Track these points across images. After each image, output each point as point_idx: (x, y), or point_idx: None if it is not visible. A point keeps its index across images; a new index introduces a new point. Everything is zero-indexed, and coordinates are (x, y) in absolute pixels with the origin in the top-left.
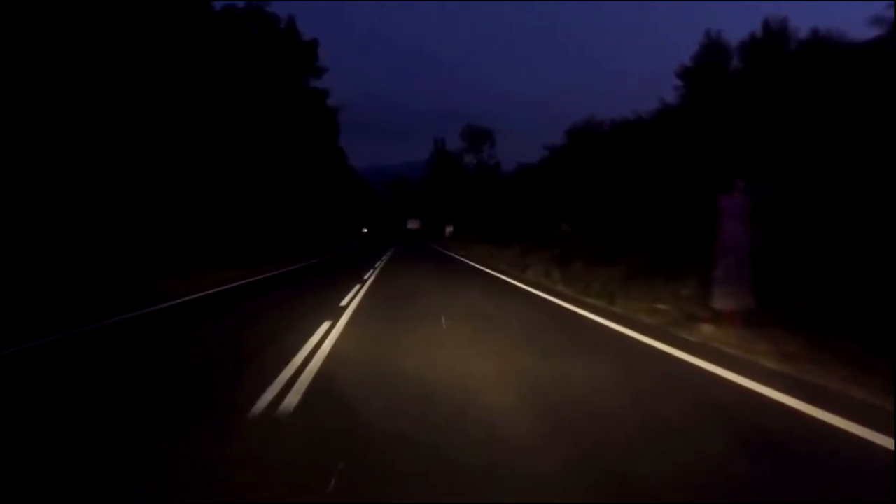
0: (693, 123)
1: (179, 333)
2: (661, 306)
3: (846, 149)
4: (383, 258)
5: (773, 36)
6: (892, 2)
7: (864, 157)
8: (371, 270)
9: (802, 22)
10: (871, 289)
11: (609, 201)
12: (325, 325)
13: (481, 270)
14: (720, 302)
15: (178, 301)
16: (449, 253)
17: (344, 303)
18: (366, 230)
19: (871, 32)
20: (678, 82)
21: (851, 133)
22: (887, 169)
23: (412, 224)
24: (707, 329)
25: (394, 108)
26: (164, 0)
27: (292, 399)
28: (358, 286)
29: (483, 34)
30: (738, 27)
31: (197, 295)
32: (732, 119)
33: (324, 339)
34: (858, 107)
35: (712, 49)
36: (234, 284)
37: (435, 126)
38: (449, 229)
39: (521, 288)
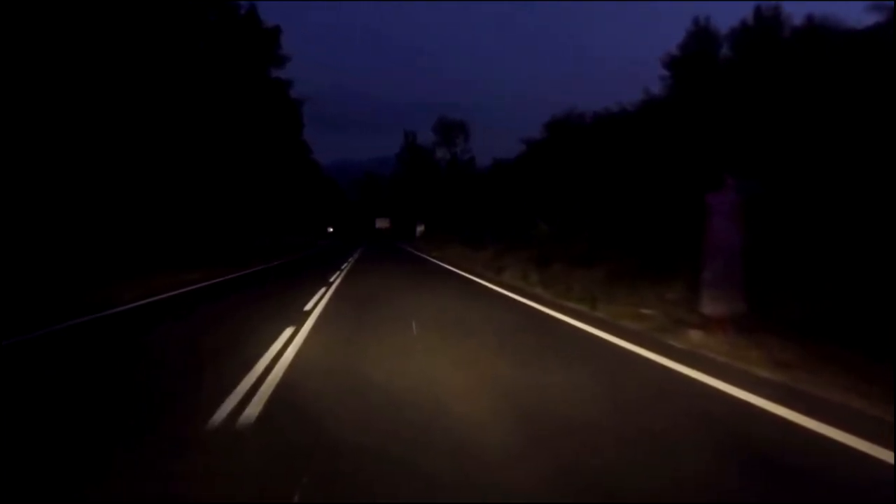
0: (680, 116)
1: (132, 340)
2: (646, 311)
3: (843, 142)
4: (350, 259)
5: (766, 22)
6: None
7: (862, 152)
8: (337, 272)
9: (796, 8)
10: (871, 292)
11: (590, 199)
12: (289, 331)
13: (454, 273)
14: (709, 306)
15: (132, 306)
16: (420, 254)
17: (308, 307)
18: (332, 230)
19: (870, 19)
20: (664, 72)
21: (849, 126)
22: (887, 164)
23: (381, 223)
24: (695, 335)
25: (361, 100)
26: None
27: (253, 410)
28: (323, 289)
29: (457, 21)
30: (728, 13)
31: (152, 299)
32: (722, 111)
33: (287, 346)
34: (857, 98)
35: (700, 37)
36: (192, 288)
37: (405, 119)
38: (420, 229)
39: (496, 291)
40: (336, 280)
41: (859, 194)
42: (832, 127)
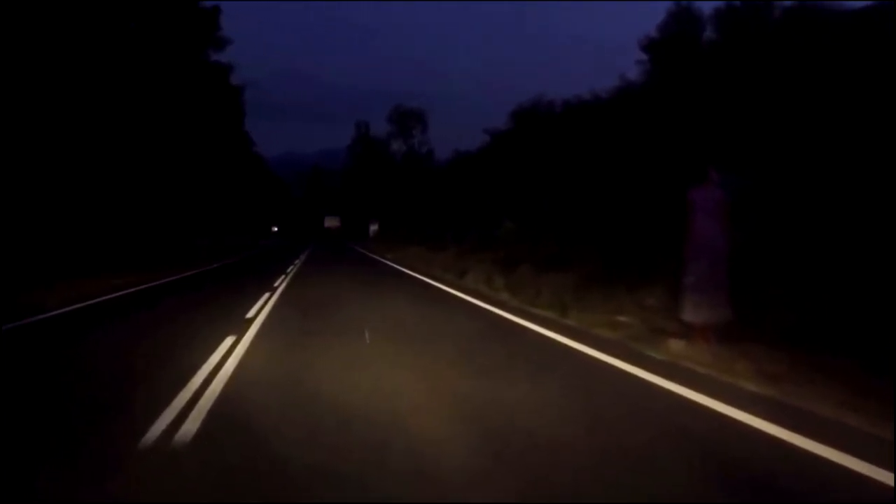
0: (659, 104)
1: (58, 350)
2: (622, 318)
3: (840, 134)
4: (297, 262)
5: (753, 2)
6: None
7: (861, 144)
8: (283, 276)
9: None
10: (867, 297)
11: (561, 195)
12: (229, 341)
13: (411, 276)
14: (691, 313)
15: (59, 312)
16: (373, 256)
17: (251, 314)
18: (276, 229)
19: None
20: (642, 56)
21: (847, 115)
22: (888, 158)
23: (330, 222)
24: (676, 345)
25: (309, 86)
26: None
27: (190, 427)
28: (267, 294)
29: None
30: None
31: (81, 304)
32: (706, 99)
33: (227, 357)
34: (854, 84)
35: (682, 17)
36: (125, 292)
37: (357, 107)
38: (374, 228)
39: (458, 297)
40: (281, 285)
41: (857, 191)
42: (828, 117)
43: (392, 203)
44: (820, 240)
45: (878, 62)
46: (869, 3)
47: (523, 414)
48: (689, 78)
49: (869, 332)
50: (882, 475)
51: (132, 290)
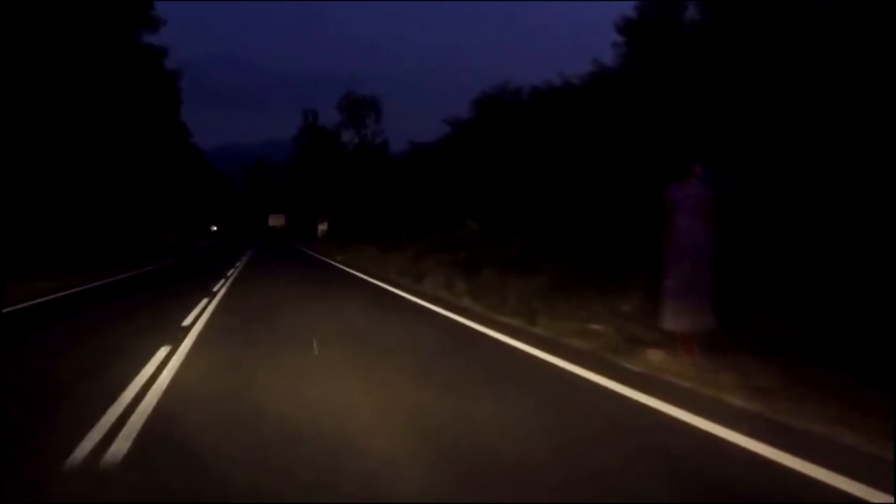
0: (637, 91)
1: None
2: (595, 326)
3: (838, 128)
4: (238, 264)
5: None
6: None
7: (861, 139)
8: (222, 280)
9: None
10: (866, 304)
11: (529, 191)
12: (163, 352)
13: (364, 280)
14: (672, 321)
15: None
16: (322, 257)
17: (187, 322)
18: (216, 228)
19: None
20: (618, 38)
21: (844, 103)
22: (890, 155)
23: (275, 220)
24: (655, 356)
25: (251, 72)
26: None
27: (120, 446)
28: (206, 300)
29: None
30: None
31: None
32: (688, 86)
33: (161, 370)
34: (853, 68)
35: None
36: (47, 299)
37: (304, 94)
38: (322, 227)
39: (415, 303)
40: (221, 289)
41: (854, 189)
42: (823, 104)
43: (343, 199)
44: (813, 241)
45: (883, 43)
46: None
47: (488, 433)
48: (669, 63)
49: (867, 341)
50: (882, 499)
51: (55, 296)
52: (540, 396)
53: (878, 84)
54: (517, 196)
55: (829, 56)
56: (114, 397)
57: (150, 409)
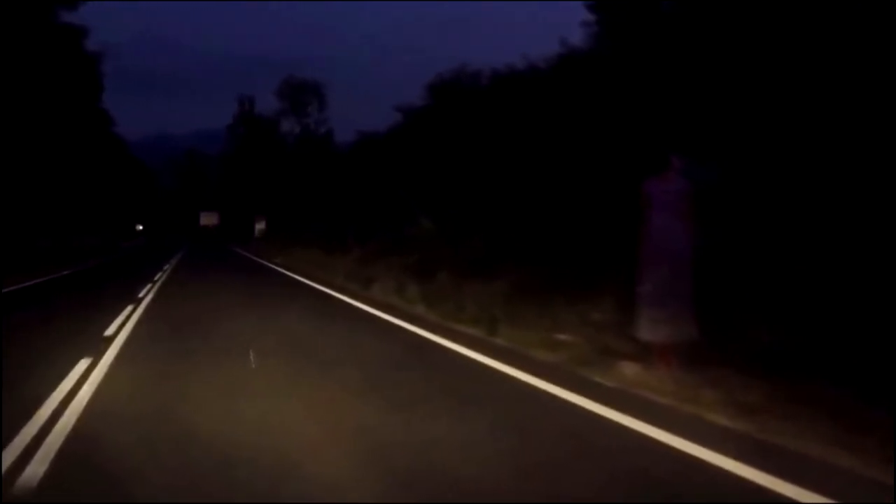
0: (610, 75)
1: None
2: (562, 336)
3: (833, 110)
4: (167, 267)
5: None
6: None
7: (858, 123)
8: (149, 285)
9: None
10: (864, 313)
11: (489, 186)
12: (84, 364)
13: (307, 285)
14: (648, 330)
15: None
16: (260, 260)
17: (110, 331)
18: (142, 228)
19: None
20: (589, 16)
21: (842, 86)
22: (890, 144)
23: (207, 219)
24: (630, 369)
25: (181, 55)
26: None
27: (36, 469)
28: (130, 307)
29: None
30: None
31: None
32: (666, 69)
33: (81, 384)
34: (852, 49)
35: None
36: None
37: (240, 79)
38: (260, 226)
39: (363, 311)
40: (147, 295)
41: (852, 187)
42: (821, 89)
43: (283, 196)
44: (807, 242)
45: (887, 18)
46: None
47: (445, 455)
48: (646, 43)
49: (864, 354)
50: None
51: None
52: (501, 414)
53: (878, 64)
54: (476, 192)
55: (823, 34)
56: (28, 415)
57: (68, 429)
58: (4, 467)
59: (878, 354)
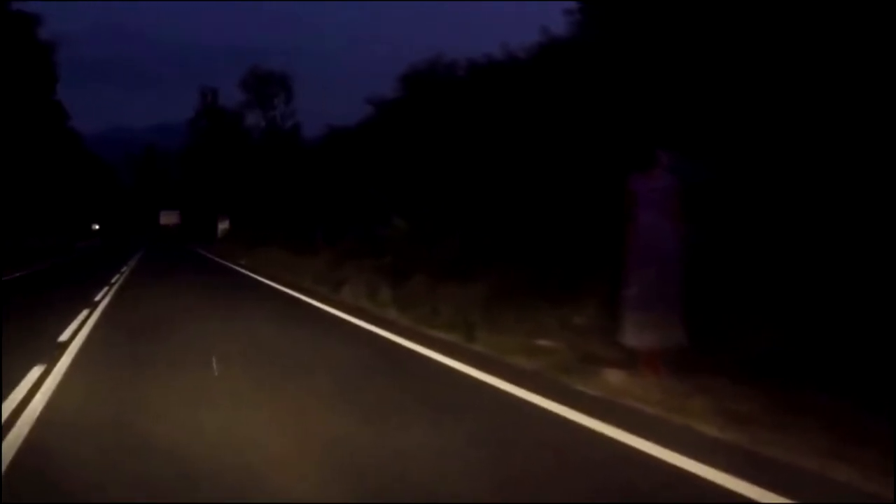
0: (593, 66)
1: None
2: (543, 342)
3: (834, 101)
4: (125, 269)
5: None
6: None
7: (858, 121)
8: (106, 288)
9: None
10: (863, 318)
11: (465, 183)
12: (36, 372)
13: (273, 289)
14: (634, 336)
15: None
16: (223, 262)
17: (64, 337)
18: (98, 227)
19: None
20: (571, 4)
21: (844, 76)
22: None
23: (168, 218)
24: (614, 377)
25: (140, 44)
26: None
27: None
28: (86, 312)
29: None
30: None
31: None
32: (653, 58)
33: (33, 393)
34: (848, 42)
35: None
36: None
37: (203, 70)
38: (223, 226)
39: (333, 315)
40: (104, 299)
41: (850, 184)
42: (822, 80)
43: (248, 194)
44: (803, 242)
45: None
46: None
47: (419, 469)
48: (632, 32)
49: (862, 360)
50: None
51: None
52: (479, 425)
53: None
54: (453, 189)
55: (820, 25)
56: None
57: (20, 441)
58: None
59: (876, 361)
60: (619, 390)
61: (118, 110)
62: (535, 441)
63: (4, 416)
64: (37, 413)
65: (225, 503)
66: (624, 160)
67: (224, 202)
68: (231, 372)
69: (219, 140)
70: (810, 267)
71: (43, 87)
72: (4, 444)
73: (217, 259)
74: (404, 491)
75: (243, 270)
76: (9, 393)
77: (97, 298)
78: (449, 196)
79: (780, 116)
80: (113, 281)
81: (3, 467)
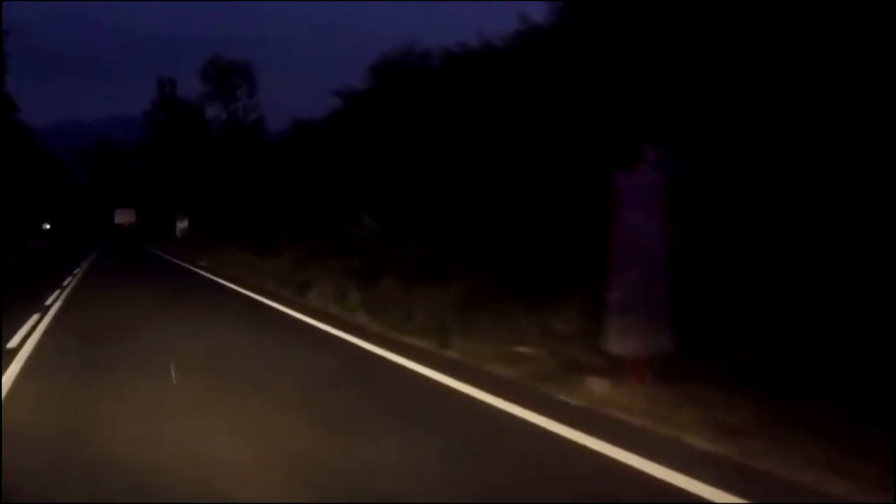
0: (575, 55)
1: None
2: (522, 349)
3: (833, 98)
4: (77, 272)
5: None
6: None
7: (858, 117)
8: (58, 291)
9: None
10: (859, 322)
11: (439, 180)
12: None
13: (234, 291)
14: (618, 342)
15: None
16: (182, 263)
17: (13, 343)
18: (49, 227)
19: None
20: None
21: (842, 68)
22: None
23: (123, 217)
24: (597, 385)
25: (94, 32)
26: None
27: None
28: (37, 316)
29: None
30: None
31: None
32: (638, 47)
33: None
34: (844, 35)
35: None
36: None
37: (160, 60)
38: (182, 225)
39: (298, 320)
40: (56, 303)
41: (849, 182)
42: (819, 70)
43: (208, 191)
44: (799, 243)
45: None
46: None
47: (389, 484)
48: (616, 18)
49: (860, 368)
50: None
51: None
52: (454, 437)
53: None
54: (426, 186)
55: (815, 17)
56: None
57: None
58: None
59: (876, 368)
60: (602, 400)
61: (72, 103)
62: (513, 454)
63: None
64: None
65: None
66: (608, 156)
67: (183, 200)
68: (190, 381)
69: (177, 134)
70: (803, 268)
71: None
72: None
73: (175, 260)
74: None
75: (203, 272)
76: None
77: (48, 302)
78: (422, 193)
79: (774, 112)
80: (65, 284)
81: None
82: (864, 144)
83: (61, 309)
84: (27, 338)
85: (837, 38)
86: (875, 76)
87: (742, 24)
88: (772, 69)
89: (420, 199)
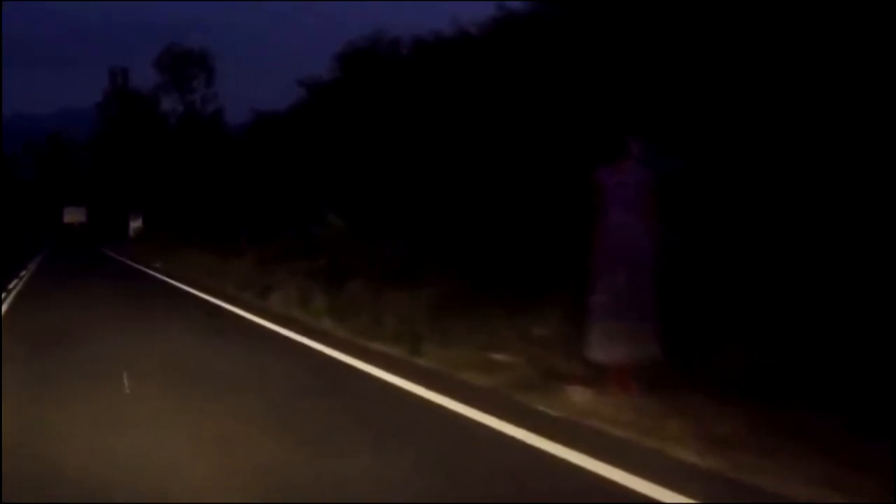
0: (555, 44)
1: None
2: (499, 356)
3: (829, 86)
4: (24, 274)
5: None
6: None
7: (858, 113)
8: (2, 294)
9: None
10: (857, 328)
11: (410, 176)
12: None
13: (192, 295)
14: (602, 349)
15: None
16: (136, 265)
17: None
18: None
19: None
20: None
21: (840, 62)
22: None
23: (73, 215)
24: (579, 395)
25: (43, 19)
26: None
27: None
28: None
29: None
30: None
31: None
32: (623, 34)
33: None
34: (840, 29)
35: None
36: None
37: (113, 48)
38: (136, 224)
39: (259, 325)
40: (1, 307)
41: (848, 178)
42: (816, 60)
43: (164, 188)
44: (789, 245)
45: None
46: None
47: (359, 499)
48: (598, 6)
49: (857, 377)
50: None
51: None
52: (426, 450)
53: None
54: (396, 183)
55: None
56: None
57: None
58: None
59: (874, 376)
60: (585, 410)
61: (18, 94)
62: (489, 468)
63: None
64: None
65: None
66: (591, 150)
67: (138, 197)
68: (146, 390)
69: (131, 127)
70: (796, 273)
71: None
72: None
73: (129, 262)
74: None
75: (158, 275)
76: None
77: None
78: (392, 190)
79: (767, 103)
80: (10, 287)
81: None
82: (857, 144)
83: (5, 314)
84: None
85: (827, 26)
86: (869, 68)
87: (728, 10)
88: (761, 58)
89: (391, 196)
